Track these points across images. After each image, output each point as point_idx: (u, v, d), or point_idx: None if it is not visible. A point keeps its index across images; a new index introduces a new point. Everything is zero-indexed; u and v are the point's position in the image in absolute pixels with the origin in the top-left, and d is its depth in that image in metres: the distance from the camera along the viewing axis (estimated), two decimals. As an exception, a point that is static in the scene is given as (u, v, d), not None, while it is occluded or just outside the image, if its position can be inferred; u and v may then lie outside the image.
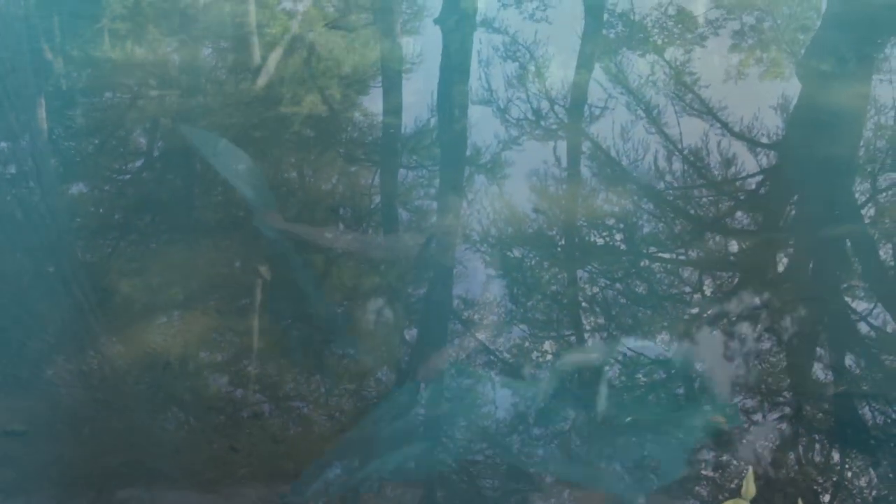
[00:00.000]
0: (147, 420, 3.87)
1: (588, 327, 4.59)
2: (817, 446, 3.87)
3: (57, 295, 4.56)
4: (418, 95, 6.56)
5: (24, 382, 4.01)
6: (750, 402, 4.08)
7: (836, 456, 3.82)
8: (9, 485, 3.56)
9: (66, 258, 4.81)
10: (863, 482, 3.71)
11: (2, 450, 3.69)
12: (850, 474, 3.73)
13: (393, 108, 6.45)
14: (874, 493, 3.64)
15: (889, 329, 4.56)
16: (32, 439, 3.74)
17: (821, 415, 4.04)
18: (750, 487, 2.18)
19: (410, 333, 4.59)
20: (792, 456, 3.82)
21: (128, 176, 5.69)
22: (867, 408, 4.05)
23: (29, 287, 4.61)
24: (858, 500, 3.64)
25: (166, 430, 3.85)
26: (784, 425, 3.98)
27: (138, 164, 5.84)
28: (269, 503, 3.54)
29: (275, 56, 6.87)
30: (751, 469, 2.23)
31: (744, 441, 3.86)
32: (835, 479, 3.72)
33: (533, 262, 5.02)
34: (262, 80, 6.56)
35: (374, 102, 6.53)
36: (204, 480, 3.61)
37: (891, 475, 3.71)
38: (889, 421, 3.98)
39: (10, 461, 3.65)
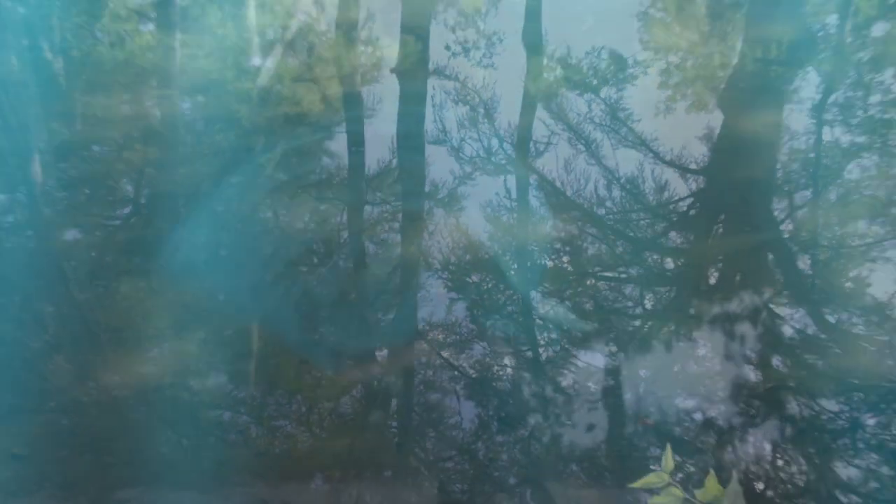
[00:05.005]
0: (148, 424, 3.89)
1: (541, 341, 4.63)
2: (751, 439, 3.93)
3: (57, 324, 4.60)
4: (379, 138, 6.59)
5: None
6: (689, 401, 4.13)
7: (768, 449, 3.89)
8: (9, 485, 3.55)
9: (64, 296, 4.81)
10: (792, 470, 3.77)
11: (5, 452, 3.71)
12: (780, 464, 3.80)
13: (357, 149, 6.51)
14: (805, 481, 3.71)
15: (808, 330, 4.64)
16: (33, 441, 3.76)
17: (752, 410, 4.09)
18: (668, 461, 2.24)
19: (380, 353, 4.60)
20: (720, 447, 3.89)
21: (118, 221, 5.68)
22: (794, 404, 4.12)
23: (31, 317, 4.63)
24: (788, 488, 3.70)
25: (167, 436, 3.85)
26: (718, 420, 4.04)
27: (126, 209, 5.83)
28: (268, 503, 3.55)
29: (248, 107, 6.88)
30: (668, 445, 2.28)
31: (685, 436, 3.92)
32: (766, 469, 3.78)
33: (489, 284, 5.05)
34: (236, 129, 6.56)
35: (339, 145, 6.56)
36: (204, 480, 3.63)
37: (816, 464, 3.78)
38: (813, 415, 4.05)
39: (10, 462, 3.66)
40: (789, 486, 3.69)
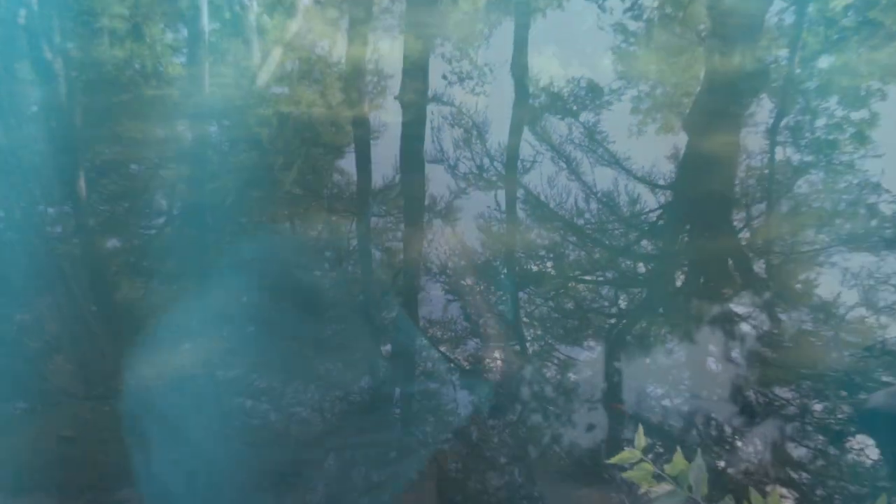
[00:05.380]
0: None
1: (528, 337, 4.64)
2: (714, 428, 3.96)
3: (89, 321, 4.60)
4: (384, 157, 6.61)
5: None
6: (659, 389, 4.14)
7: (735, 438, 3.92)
8: (9, 484, 3.41)
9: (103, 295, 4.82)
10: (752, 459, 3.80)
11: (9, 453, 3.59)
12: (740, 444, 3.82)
13: (364, 168, 6.52)
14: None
15: (764, 326, 4.67)
16: (35, 442, 3.65)
17: (714, 397, 4.12)
18: (640, 441, 2.25)
19: (385, 349, 4.60)
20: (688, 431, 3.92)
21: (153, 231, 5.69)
22: (752, 392, 4.15)
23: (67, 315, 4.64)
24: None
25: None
26: (684, 406, 4.07)
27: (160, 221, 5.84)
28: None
29: (267, 130, 6.89)
30: (640, 427, 2.30)
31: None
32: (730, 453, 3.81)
33: (481, 287, 5.07)
34: (257, 150, 6.57)
35: (349, 164, 6.58)
36: (204, 481, 3.54)
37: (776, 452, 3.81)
38: (768, 401, 4.09)
39: (11, 462, 3.53)
40: (746, 463, 3.72)
